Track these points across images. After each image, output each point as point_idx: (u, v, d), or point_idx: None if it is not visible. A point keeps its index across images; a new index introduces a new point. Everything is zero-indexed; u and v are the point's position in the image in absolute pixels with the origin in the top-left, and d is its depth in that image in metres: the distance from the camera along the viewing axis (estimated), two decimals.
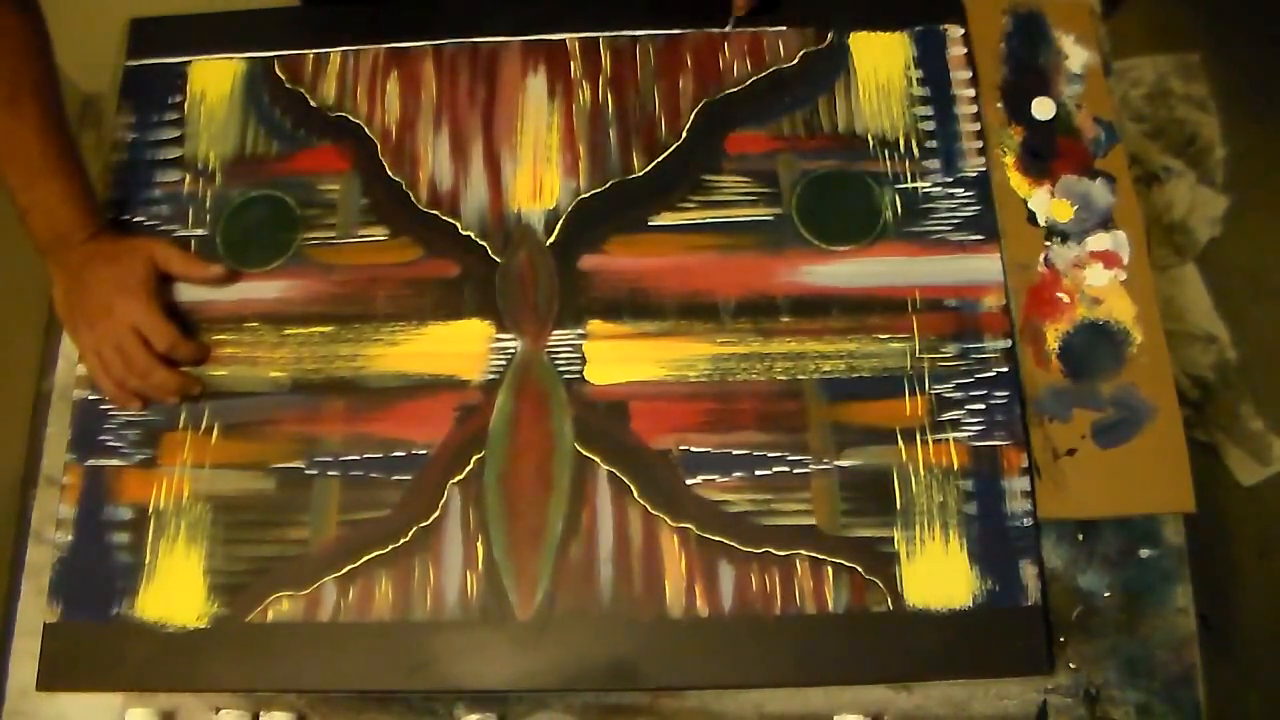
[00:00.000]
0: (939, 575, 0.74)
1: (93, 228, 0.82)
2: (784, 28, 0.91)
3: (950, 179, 0.85)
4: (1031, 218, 0.84)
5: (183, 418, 0.81)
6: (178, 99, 0.91)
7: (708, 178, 0.86)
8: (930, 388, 0.79)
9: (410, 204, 0.87)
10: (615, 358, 0.81)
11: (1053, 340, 0.81)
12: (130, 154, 0.90)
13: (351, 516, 0.78)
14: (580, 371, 0.81)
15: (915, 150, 0.86)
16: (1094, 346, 0.80)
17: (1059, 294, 0.82)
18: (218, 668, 0.75)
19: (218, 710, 0.74)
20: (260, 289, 0.85)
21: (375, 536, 0.77)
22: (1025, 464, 0.77)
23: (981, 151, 0.86)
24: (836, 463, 0.77)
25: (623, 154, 0.87)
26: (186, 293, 0.85)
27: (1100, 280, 0.82)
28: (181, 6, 0.96)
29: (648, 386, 0.80)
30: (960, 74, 0.89)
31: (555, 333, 0.82)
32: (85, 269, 0.81)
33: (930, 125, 0.87)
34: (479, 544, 0.76)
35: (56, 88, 0.80)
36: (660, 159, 0.87)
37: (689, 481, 0.77)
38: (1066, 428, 0.78)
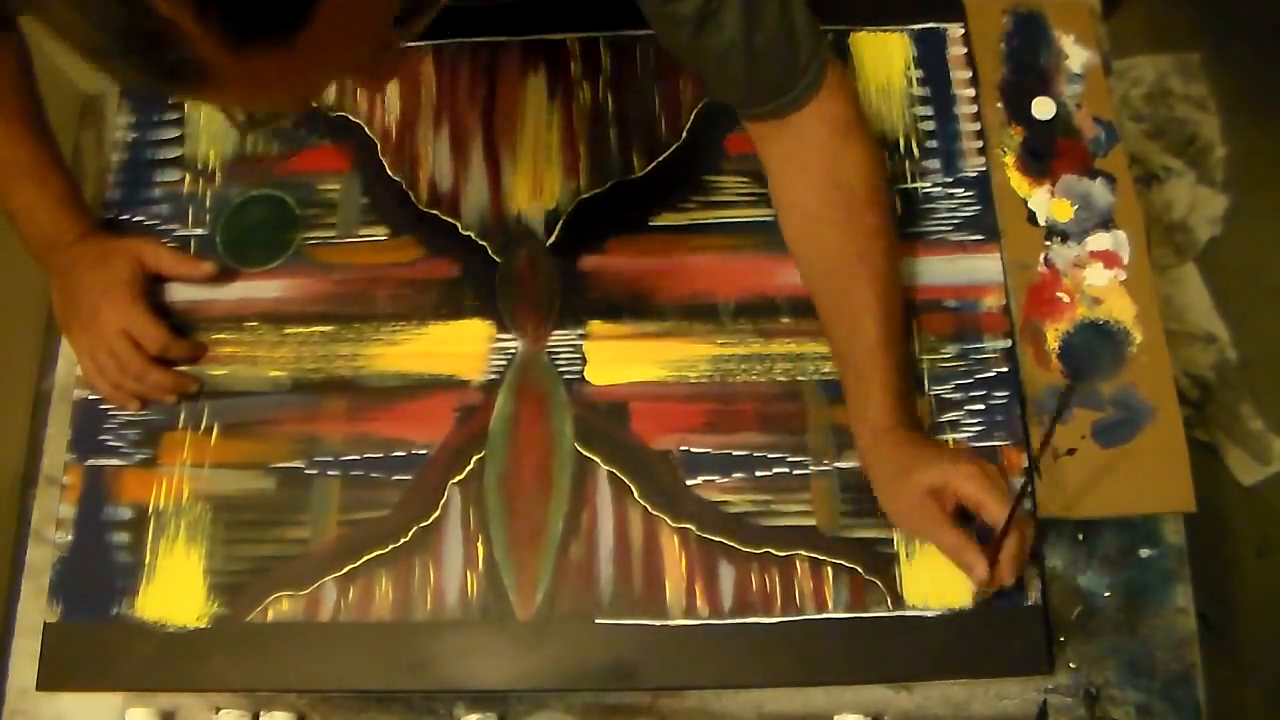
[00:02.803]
0: (939, 575, 0.74)
1: (79, 230, 0.81)
2: None
3: (950, 179, 0.85)
4: (1031, 218, 0.84)
5: (182, 417, 0.81)
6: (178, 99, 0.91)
7: (708, 178, 0.86)
8: (930, 388, 0.79)
9: (410, 204, 0.87)
10: (615, 358, 0.81)
11: (1053, 340, 0.81)
12: (130, 154, 0.90)
13: (351, 516, 0.78)
14: (580, 372, 0.81)
15: (915, 150, 0.86)
16: (1094, 346, 0.80)
17: (1059, 294, 0.82)
18: (218, 668, 0.75)
19: (218, 710, 0.74)
20: (260, 289, 0.85)
21: (375, 536, 0.77)
22: (1025, 464, 0.77)
23: (981, 151, 0.86)
24: (836, 463, 0.77)
25: (623, 154, 0.87)
26: (185, 292, 0.85)
27: (1100, 280, 0.82)
28: None
29: (648, 387, 0.80)
30: (960, 74, 0.89)
31: (555, 333, 0.82)
32: (74, 272, 0.81)
33: (930, 125, 0.87)
34: (479, 544, 0.76)
35: (33, 92, 0.79)
36: (660, 159, 0.87)
37: (689, 482, 0.77)
38: (1066, 428, 0.78)
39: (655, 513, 0.77)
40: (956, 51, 0.89)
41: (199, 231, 0.87)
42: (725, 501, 0.77)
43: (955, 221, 0.84)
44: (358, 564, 0.76)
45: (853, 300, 0.73)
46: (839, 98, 0.72)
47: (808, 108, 0.71)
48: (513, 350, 0.82)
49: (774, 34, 0.67)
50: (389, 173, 0.88)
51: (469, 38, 0.92)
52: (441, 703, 0.74)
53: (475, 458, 0.79)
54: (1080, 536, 0.76)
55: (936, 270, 0.82)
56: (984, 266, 0.83)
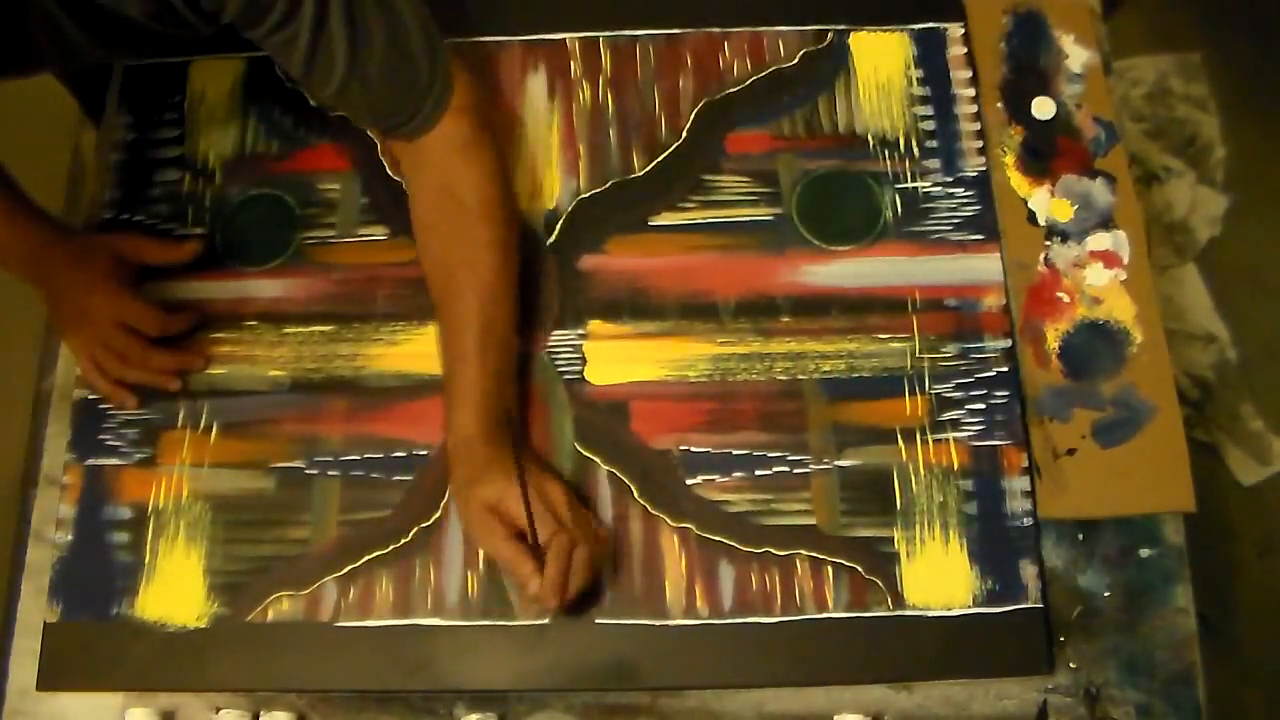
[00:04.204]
0: (939, 575, 0.74)
1: (46, 235, 0.80)
2: (784, 28, 0.91)
3: (950, 179, 0.85)
4: (1031, 217, 0.84)
5: (181, 416, 0.81)
6: (178, 98, 0.91)
7: (708, 178, 0.86)
8: (930, 388, 0.79)
9: None
10: (615, 358, 0.81)
11: (1053, 340, 0.81)
12: (130, 154, 0.90)
13: (352, 516, 0.78)
14: (580, 371, 0.81)
15: (915, 150, 0.86)
16: (1094, 346, 0.80)
17: (1059, 294, 0.82)
18: (218, 668, 0.75)
19: (218, 710, 0.74)
20: (260, 288, 0.85)
21: (376, 536, 0.77)
22: (1025, 464, 0.77)
23: (981, 151, 0.86)
24: (836, 463, 0.77)
25: (623, 154, 0.87)
26: (184, 293, 0.85)
27: (1100, 280, 0.82)
28: None
29: (648, 386, 0.80)
30: (960, 74, 0.89)
31: (555, 333, 0.82)
32: (55, 277, 0.80)
33: (930, 125, 0.87)
34: None
35: None
36: (660, 159, 0.87)
37: (689, 481, 0.77)
38: (1066, 428, 0.78)
39: (655, 512, 0.77)
40: (956, 51, 0.89)
41: (199, 231, 0.87)
42: (725, 501, 0.77)
43: (955, 221, 0.84)
44: (358, 564, 0.76)
45: (453, 307, 0.74)
46: (461, 118, 0.74)
47: (435, 130, 0.73)
48: None
49: (386, 61, 0.69)
50: (389, 172, 0.87)
51: (469, 37, 0.92)
52: (441, 703, 0.74)
53: None
54: (1080, 536, 0.76)
55: (936, 270, 0.82)
56: (984, 266, 0.83)
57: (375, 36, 0.67)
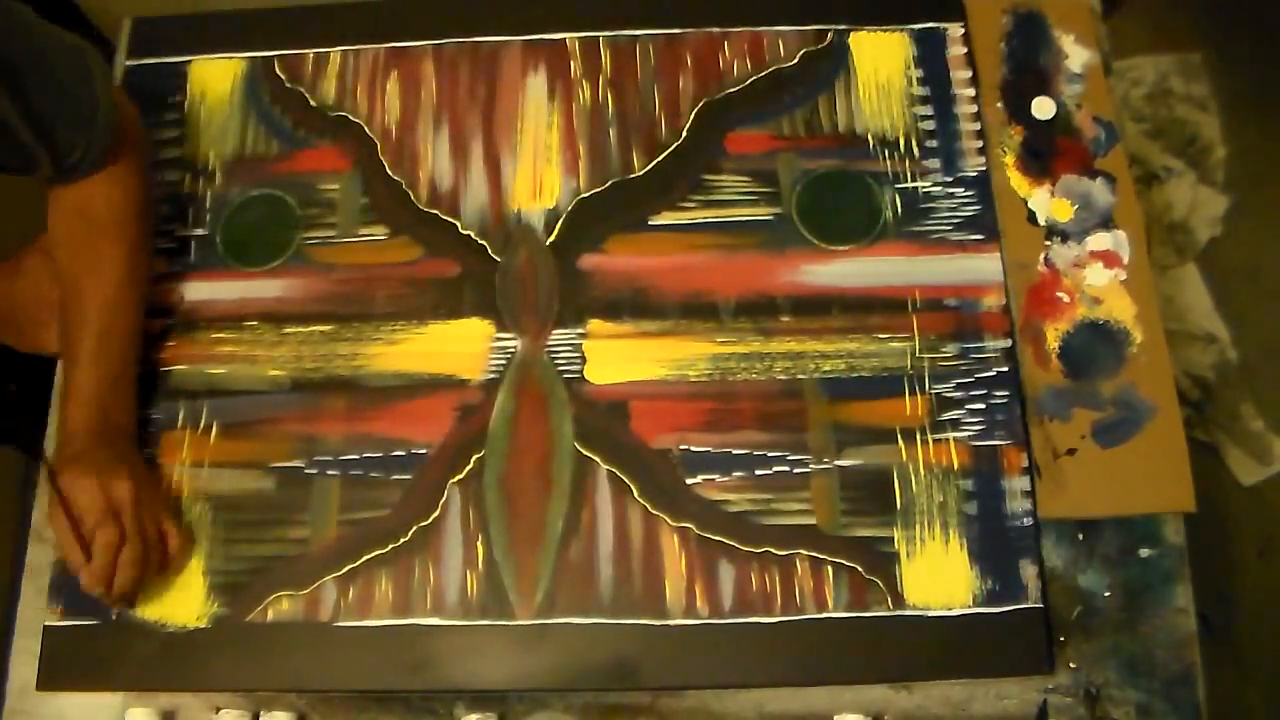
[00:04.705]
0: (939, 575, 0.74)
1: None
2: (784, 28, 0.91)
3: (950, 179, 0.85)
4: (1031, 217, 0.84)
5: (181, 416, 0.81)
6: (178, 99, 0.91)
7: (708, 177, 0.86)
8: (930, 387, 0.79)
9: (410, 203, 0.87)
10: (615, 357, 0.81)
11: (1053, 340, 0.81)
12: None
13: (351, 516, 0.78)
14: (580, 371, 0.81)
15: (915, 150, 0.86)
16: (1094, 346, 0.80)
17: (1059, 294, 0.82)
18: (218, 668, 0.75)
19: (218, 710, 0.74)
20: (260, 288, 0.85)
21: (375, 536, 0.77)
22: (1025, 464, 0.77)
23: (981, 151, 0.86)
24: (836, 462, 0.77)
25: (623, 154, 0.87)
26: (185, 293, 0.85)
27: (1100, 280, 0.82)
28: (181, 7, 0.96)
29: (648, 386, 0.80)
30: (960, 74, 0.89)
31: (555, 332, 0.82)
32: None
33: (930, 125, 0.87)
34: (479, 544, 0.76)
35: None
36: (660, 159, 0.87)
37: (689, 481, 0.77)
38: (1066, 427, 0.78)
39: (655, 512, 0.77)
40: (956, 51, 0.89)
41: (199, 231, 0.87)
42: (725, 500, 0.77)
43: (955, 221, 0.84)
44: (358, 564, 0.76)
45: (73, 313, 0.76)
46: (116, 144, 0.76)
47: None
48: (512, 349, 0.82)
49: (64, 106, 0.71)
50: (389, 172, 0.88)
51: (469, 38, 0.92)
52: (441, 703, 0.74)
53: (475, 457, 0.79)
54: (1080, 536, 0.76)
55: (936, 270, 0.82)
56: (984, 266, 0.83)
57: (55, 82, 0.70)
